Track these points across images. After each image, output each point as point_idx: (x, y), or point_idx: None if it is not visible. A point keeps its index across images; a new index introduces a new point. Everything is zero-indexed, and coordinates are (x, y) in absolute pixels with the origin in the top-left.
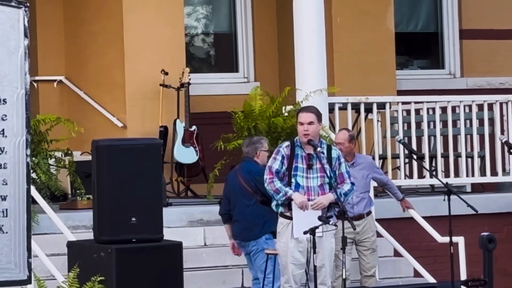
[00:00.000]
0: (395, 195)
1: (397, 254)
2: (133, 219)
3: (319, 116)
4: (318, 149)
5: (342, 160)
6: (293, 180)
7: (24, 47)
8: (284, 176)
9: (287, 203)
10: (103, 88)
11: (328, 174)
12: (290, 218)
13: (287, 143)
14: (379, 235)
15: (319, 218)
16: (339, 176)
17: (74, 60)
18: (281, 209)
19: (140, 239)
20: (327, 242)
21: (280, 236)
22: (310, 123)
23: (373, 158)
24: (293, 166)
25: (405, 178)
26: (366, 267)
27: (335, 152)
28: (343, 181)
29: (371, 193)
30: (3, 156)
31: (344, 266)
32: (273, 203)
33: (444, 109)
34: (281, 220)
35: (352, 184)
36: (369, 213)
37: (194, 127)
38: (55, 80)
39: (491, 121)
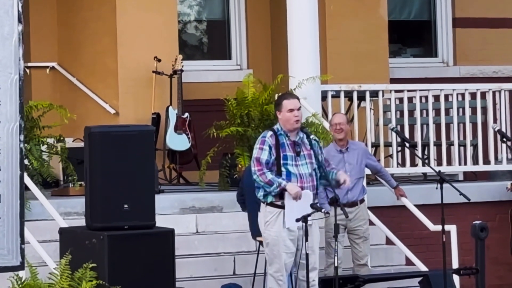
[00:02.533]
0: (388, 183)
1: (389, 242)
2: (125, 206)
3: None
4: (312, 136)
5: (321, 144)
6: (283, 169)
7: (18, 33)
8: (272, 166)
9: (279, 194)
10: (95, 75)
11: (315, 160)
12: (281, 207)
13: (270, 132)
14: (371, 223)
15: (312, 205)
16: (326, 160)
17: (66, 47)
18: (271, 199)
19: (132, 226)
20: (315, 229)
21: (270, 225)
22: (299, 108)
23: (366, 146)
24: (282, 155)
25: (397, 166)
26: (359, 256)
27: (313, 137)
28: (330, 164)
29: (364, 181)
30: None
31: (336, 254)
32: (260, 193)
33: (437, 98)
34: (270, 209)
35: None
36: (362, 200)
37: (186, 114)
38: (47, 67)
39: (484, 109)
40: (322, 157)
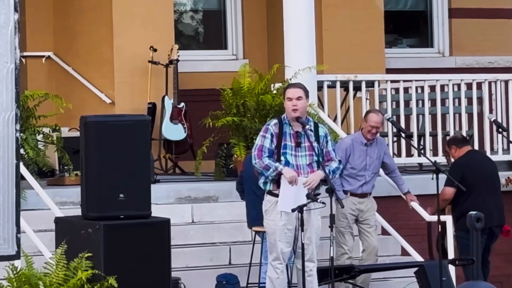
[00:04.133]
0: (400, 187)
1: (385, 232)
2: (121, 195)
3: (306, 92)
4: (307, 126)
5: (329, 138)
6: (282, 158)
7: (14, 22)
8: (273, 154)
9: (276, 181)
10: (91, 65)
11: (317, 152)
12: (278, 195)
13: (275, 120)
14: None
15: (307, 196)
16: (326, 154)
17: (62, 36)
18: (269, 187)
19: (128, 216)
20: (315, 220)
21: (268, 214)
22: (299, 98)
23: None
24: (282, 144)
25: (393, 156)
26: (370, 244)
27: (322, 130)
28: (330, 159)
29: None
30: None
31: (332, 244)
32: (261, 181)
33: (433, 88)
34: (269, 198)
35: (339, 161)
36: (370, 193)
37: (182, 104)
38: (43, 56)
39: (480, 100)
40: (322, 151)
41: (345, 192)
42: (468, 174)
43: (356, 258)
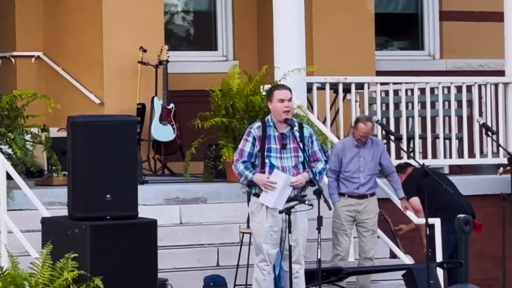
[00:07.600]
0: (396, 191)
1: None
2: (108, 196)
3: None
4: (295, 128)
5: (315, 138)
6: (266, 161)
7: None
8: (257, 158)
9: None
10: (81, 65)
11: (303, 153)
12: None
13: (258, 123)
14: None
15: (295, 197)
16: (312, 154)
17: (52, 37)
18: (254, 190)
19: (115, 217)
20: (301, 222)
21: (254, 215)
22: (290, 99)
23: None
24: (266, 147)
25: None
26: (365, 249)
27: (307, 131)
28: (317, 159)
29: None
30: None
31: (319, 246)
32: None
33: (422, 90)
34: (254, 200)
35: (326, 162)
36: (372, 194)
37: (171, 105)
38: (33, 56)
39: (470, 103)
40: (310, 151)
41: (343, 194)
42: (421, 183)
43: (352, 261)
